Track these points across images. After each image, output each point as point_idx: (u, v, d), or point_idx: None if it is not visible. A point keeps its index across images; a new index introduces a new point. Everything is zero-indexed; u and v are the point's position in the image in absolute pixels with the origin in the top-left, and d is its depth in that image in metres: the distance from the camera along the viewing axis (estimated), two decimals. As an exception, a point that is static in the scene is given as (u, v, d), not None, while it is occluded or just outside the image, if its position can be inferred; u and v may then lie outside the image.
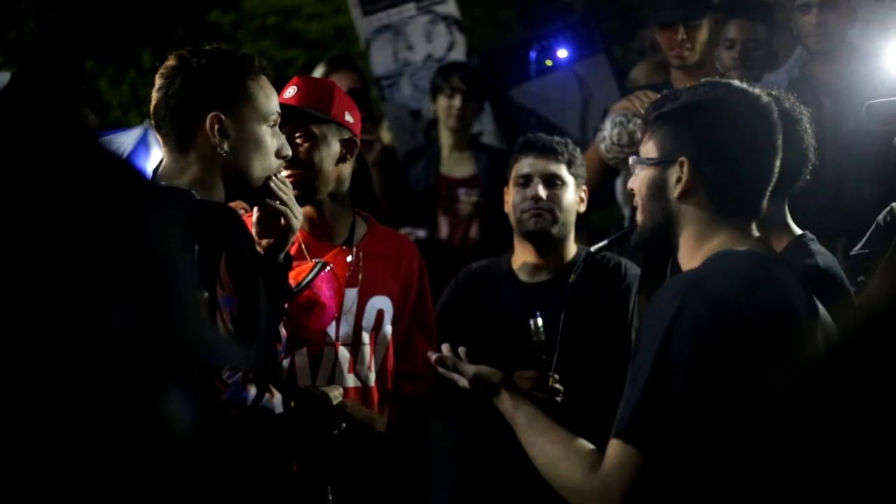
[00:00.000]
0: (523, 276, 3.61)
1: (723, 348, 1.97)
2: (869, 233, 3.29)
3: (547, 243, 3.57)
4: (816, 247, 2.77)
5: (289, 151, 2.76)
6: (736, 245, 2.11)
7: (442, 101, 5.20)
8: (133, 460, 0.89)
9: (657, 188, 2.16)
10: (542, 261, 3.59)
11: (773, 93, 2.67)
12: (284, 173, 2.84)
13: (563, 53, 5.71)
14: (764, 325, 2.01)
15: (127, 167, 0.95)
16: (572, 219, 3.59)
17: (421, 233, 4.96)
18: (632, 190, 2.26)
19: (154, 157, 4.30)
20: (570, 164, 3.58)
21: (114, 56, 7.42)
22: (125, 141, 4.40)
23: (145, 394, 0.90)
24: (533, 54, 5.64)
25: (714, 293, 2.00)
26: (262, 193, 2.72)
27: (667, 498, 1.99)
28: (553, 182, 3.55)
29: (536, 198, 3.54)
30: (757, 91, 2.22)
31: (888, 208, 3.27)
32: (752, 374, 1.93)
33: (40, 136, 0.92)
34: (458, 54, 5.76)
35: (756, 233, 2.20)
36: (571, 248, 3.62)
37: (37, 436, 0.86)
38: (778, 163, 2.21)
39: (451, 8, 5.81)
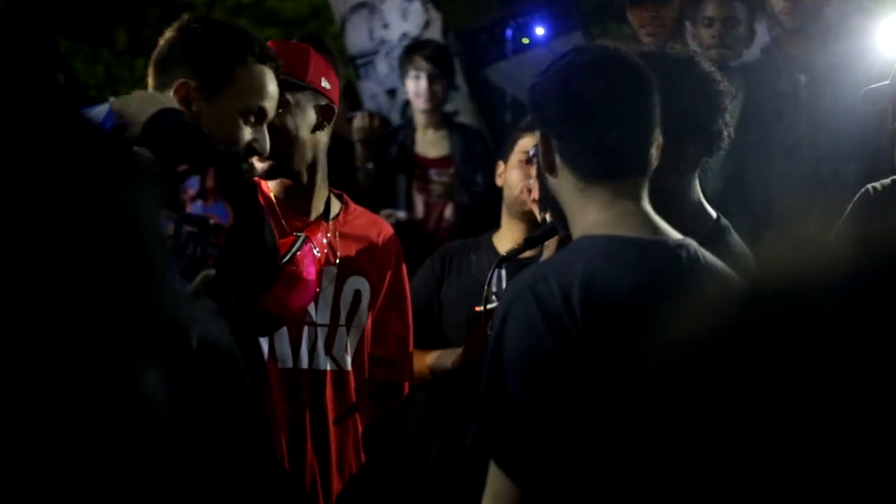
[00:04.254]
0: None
1: (559, 349, 1.92)
2: (846, 215, 3.26)
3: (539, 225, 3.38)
4: (734, 235, 2.53)
5: None
6: (603, 225, 2.06)
7: (410, 83, 5.14)
8: (114, 437, 0.87)
9: (538, 166, 2.16)
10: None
11: (693, 51, 2.59)
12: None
13: (540, 31, 5.67)
14: (606, 318, 1.95)
15: (106, 139, 0.93)
16: None
17: (401, 214, 4.94)
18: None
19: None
20: None
21: (88, 36, 7.35)
22: (93, 118, 4.33)
23: (124, 371, 0.88)
24: (509, 32, 5.60)
25: (546, 293, 1.96)
26: None
27: None
28: None
29: None
30: (604, 46, 2.16)
31: (863, 189, 3.25)
32: (600, 374, 1.91)
33: (20, 106, 0.90)
34: (434, 32, 5.72)
35: (640, 203, 2.10)
36: None
37: (16, 414, 0.84)
38: (647, 118, 2.10)
39: (426, -14, 5.78)
